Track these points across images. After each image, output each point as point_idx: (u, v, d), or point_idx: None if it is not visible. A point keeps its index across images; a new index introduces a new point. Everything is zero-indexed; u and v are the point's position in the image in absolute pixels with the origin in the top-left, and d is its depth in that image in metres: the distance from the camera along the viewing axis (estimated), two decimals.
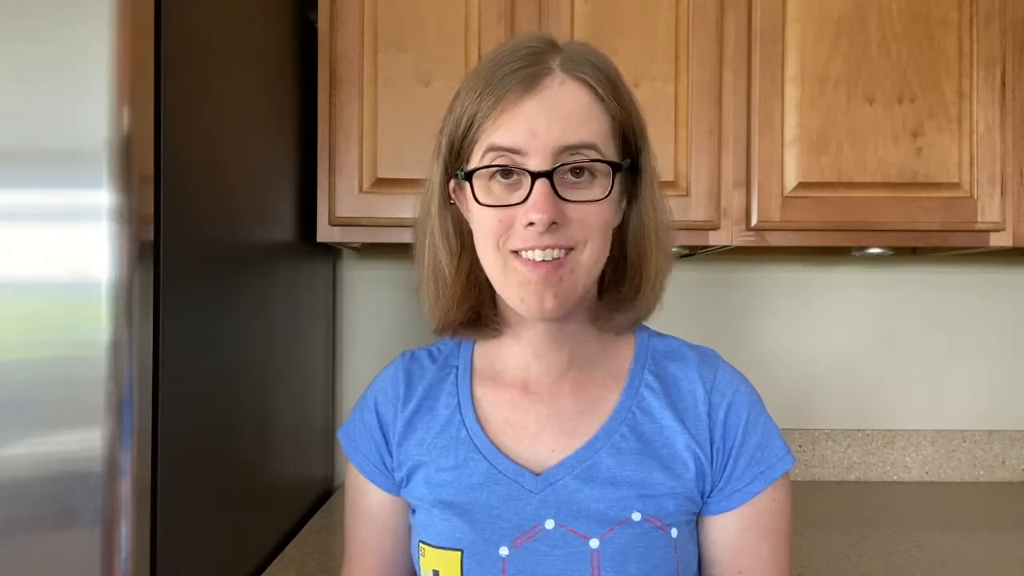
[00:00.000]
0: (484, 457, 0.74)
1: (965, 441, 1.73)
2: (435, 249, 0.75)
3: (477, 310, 0.77)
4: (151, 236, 0.86)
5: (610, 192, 0.68)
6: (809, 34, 1.40)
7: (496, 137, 0.67)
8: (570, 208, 0.67)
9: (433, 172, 0.75)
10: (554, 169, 0.66)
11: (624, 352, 0.79)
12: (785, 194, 1.40)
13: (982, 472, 1.73)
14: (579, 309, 0.74)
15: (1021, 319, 1.75)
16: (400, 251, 1.70)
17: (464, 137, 0.70)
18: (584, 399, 0.76)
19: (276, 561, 1.24)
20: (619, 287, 0.75)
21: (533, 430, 0.75)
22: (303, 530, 1.40)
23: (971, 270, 1.75)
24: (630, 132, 0.72)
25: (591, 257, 0.68)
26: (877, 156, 1.39)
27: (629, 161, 0.71)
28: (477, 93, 0.68)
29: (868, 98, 1.40)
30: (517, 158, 0.67)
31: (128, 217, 0.83)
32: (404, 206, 1.38)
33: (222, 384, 1.09)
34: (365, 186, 1.40)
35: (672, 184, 1.39)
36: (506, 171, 0.67)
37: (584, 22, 1.40)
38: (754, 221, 1.40)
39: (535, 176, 0.65)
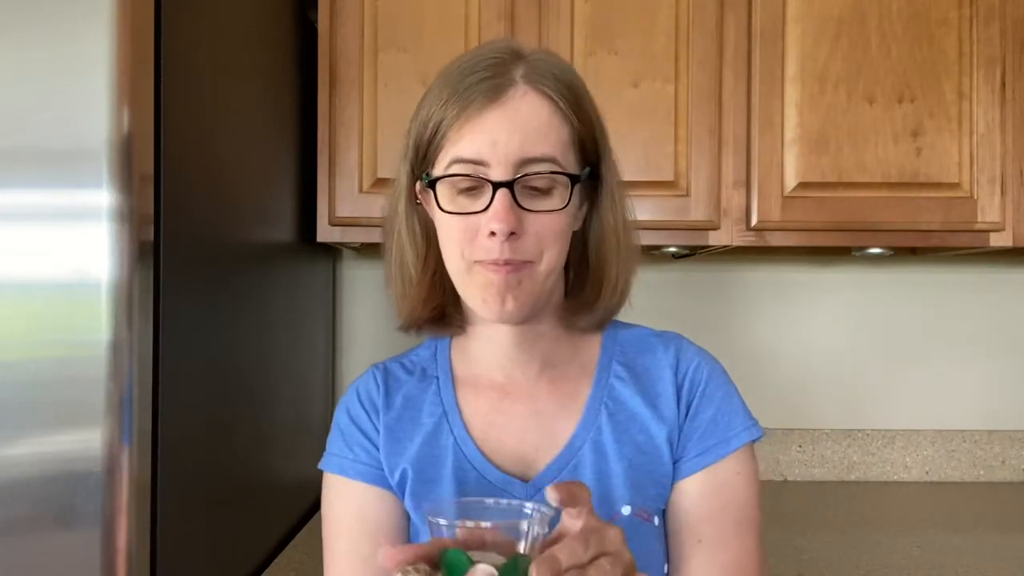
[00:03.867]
0: (473, 467, 0.75)
1: (965, 441, 1.73)
2: (401, 248, 0.77)
3: (442, 308, 0.78)
4: (151, 236, 0.86)
5: (568, 203, 0.69)
6: (809, 34, 1.40)
7: (459, 148, 0.68)
8: (529, 219, 0.68)
9: (400, 172, 0.76)
10: (515, 180, 0.67)
11: (592, 346, 0.80)
12: (785, 194, 1.40)
13: (982, 472, 1.73)
14: (547, 311, 0.76)
15: (1021, 319, 1.75)
16: None
17: (429, 143, 0.71)
18: (560, 396, 0.77)
19: (276, 561, 1.24)
20: (582, 290, 0.77)
21: (516, 431, 0.76)
22: (303, 530, 1.40)
23: (971, 270, 1.75)
24: (590, 141, 0.73)
25: (548, 266, 0.70)
26: (877, 156, 1.39)
27: (588, 170, 0.73)
28: (443, 101, 0.70)
29: (868, 98, 1.40)
30: (480, 168, 0.68)
31: (128, 217, 0.83)
32: None
33: (222, 384, 1.09)
34: (365, 186, 1.40)
35: (672, 184, 1.39)
36: (470, 188, 0.69)
37: (584, 22, 1.40)
38: (754, 221, 1.40)
39: (496, 186, 0.67)
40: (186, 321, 0.95)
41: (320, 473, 0.80)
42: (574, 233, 0.75)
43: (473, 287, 0.70)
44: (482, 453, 0.75)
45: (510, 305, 0.68)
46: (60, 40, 0.82)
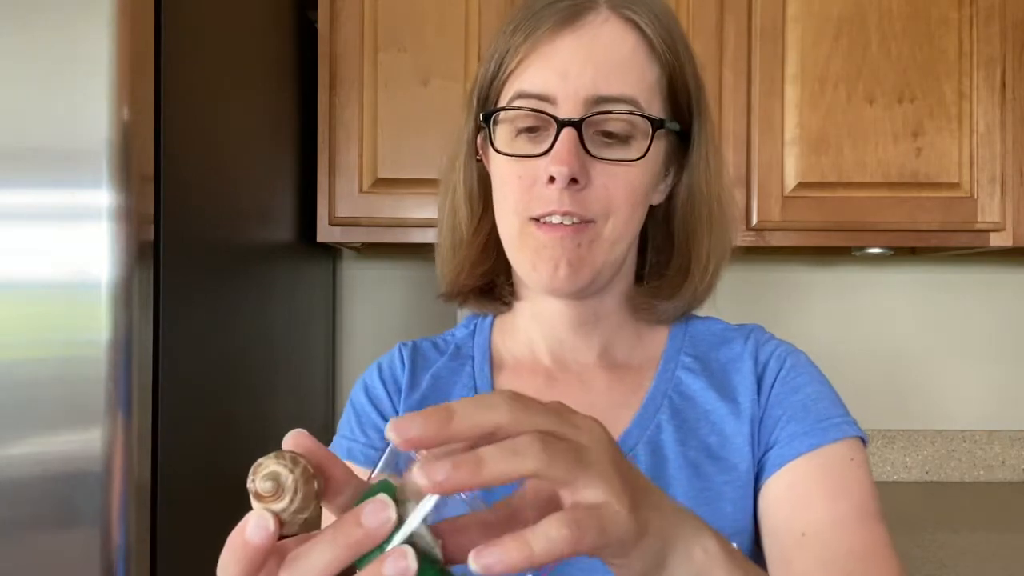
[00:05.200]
0: None
1: (965, 441, 1.73)
2: (456, 207, 0.68)
3: (491, 277, 0.69)
4: (151, 236, 0.86)
5: (646, 153, 0.58)
6: (809, 34, 1.40)
7: (523, 81, 0.59)
8: (597, 169, 0.58)
9: (464, 125, 0.68)
10: (583, 119, 0.57)
11: (659, 337, 0.69)
12: (785, 194, 1.39)
13: (982, 472, 1.73)
14: (612, 291, 0.66)
15: (1021, 319, 1.75)
16: (400, 251, 1.70)
17: (493, 79, 0.62)
18: (619, 388, 0.66)
19: None
20: (663, 274, 0.67)
21: None
22: None
23: (971, 270, 1.75)
24: (682, 89, 0.62)
25: (614, 232, 0.59)
26: (877, 156, 1.39)
27: (678, 125, 0.61)
28: (511, 28, 0.60)
29: (868, 98, 1.40)
30: (545, 104, 0.58)
31: (128, 217, 0.83)
32: (404, 206, 1.38)
33: (222, 384, 1.09)
34: (365, 186, 1.40)
35: None
36: (532, 127, 0.60)
37: None
38: (754, 221, 1.40)
39: (561, 124, 0.57)
40: (186, 321, 0.95)
41: None
42: (656, 208, 0.65)
43: (524, 250, 0.60)
44: None
45: (563, 271, 0.58)
46: (60, 40, 0.82)
